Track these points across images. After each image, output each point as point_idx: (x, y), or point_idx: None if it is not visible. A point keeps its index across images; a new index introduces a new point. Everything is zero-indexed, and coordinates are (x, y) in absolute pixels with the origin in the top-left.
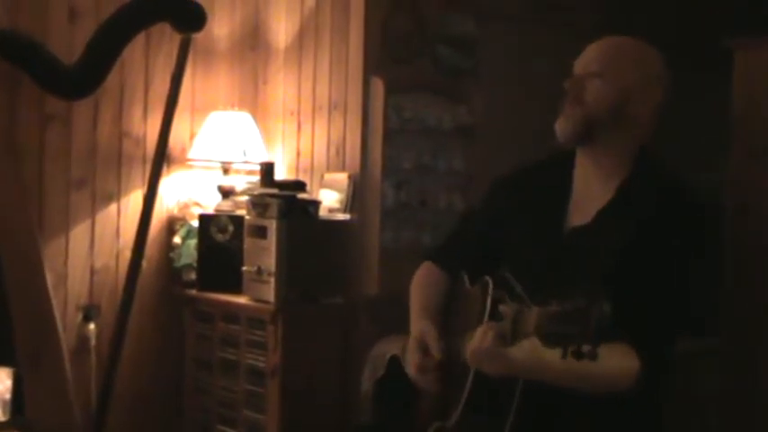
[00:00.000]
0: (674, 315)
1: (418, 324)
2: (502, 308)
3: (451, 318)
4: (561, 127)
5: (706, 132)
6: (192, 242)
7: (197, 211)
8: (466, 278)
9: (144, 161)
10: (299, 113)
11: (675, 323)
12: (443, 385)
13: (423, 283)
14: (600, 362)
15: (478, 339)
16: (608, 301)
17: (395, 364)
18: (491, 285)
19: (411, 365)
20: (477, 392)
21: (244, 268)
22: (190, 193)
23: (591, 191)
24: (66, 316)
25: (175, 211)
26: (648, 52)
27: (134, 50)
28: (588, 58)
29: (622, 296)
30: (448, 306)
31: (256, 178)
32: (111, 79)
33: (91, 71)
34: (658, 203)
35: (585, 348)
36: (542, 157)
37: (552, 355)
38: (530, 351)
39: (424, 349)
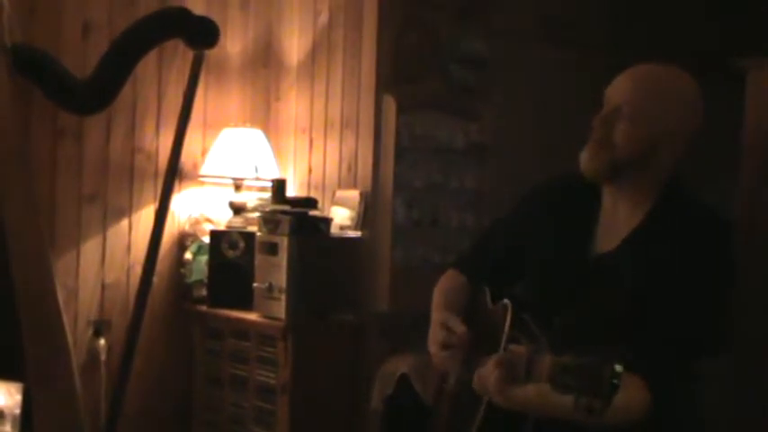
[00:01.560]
0: (691, 345)
1: (441, 313)
2: (515, 347)
3: (471, 333)
4: (587, 165)
5: (715, 151)
6: (203, 258)
7: (208, 227)
8: (488, 295)
9: (156, 176)
10: (310, 130)
11: (694, 352)
12: (463, 366)
13: (445, 288)
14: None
15: (486, 373)
16: (620, 360)
17: (405, 382)
18: (510, 313)
19: (433, 343)
20: (491, 417)
21: (254, 285)
22: (201, 209)
23: (618, 218)
24: (76, 331)
25: (187, 227)
26: (681, 85)
27: (147, 66)
28: (619, 94)
29: (639, 325)
30: (468, 313)
31: (268, 195)
32: (124, 94)
33: (104, 86)
34: (683, 234)
35: (597, 404)
36: (569, 171)
37: (559, 398)
38: (534, 393)
39: (447, 328)
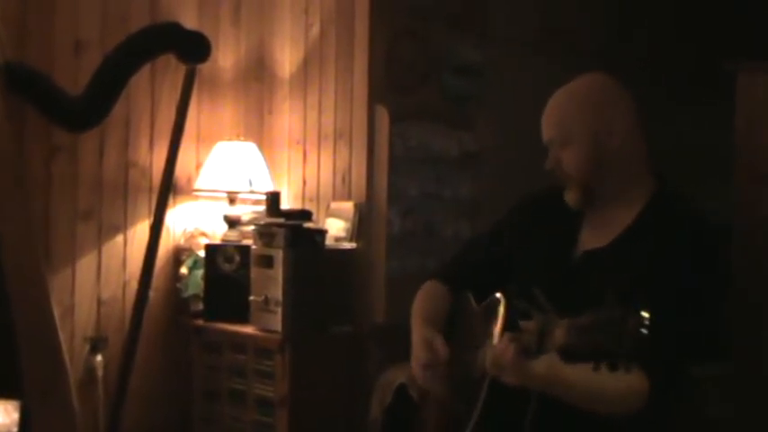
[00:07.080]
0: (688, 338)
1: (422, 329)
2: (525, 323)
3: (456, 334)
4: (570, 200)
5: (707, 156)
6: (199, 272)
7: (203, 241)
8: (471, 298)
9: (150, 191)
10: (304, 143)
11: (689, 346)
12: (446, 388)
13: (426, 296)
14: (614, 380)
15: (501, 349)
16: (644, 310)
17: (403, 392)
18: (503, 301)
19: (416, 363)
20: (488, 413)
21: (251, 298)
22: (196, 223)
23: (607, 216)
24: (73, 348)
25: (182, 242)
26: (590, 86)
27: (139, 81)
28: (547, 130)
29: None
30: (449, 321)
31: (262, 208)
32: (117, 110)
33: (96, 103)
34: (676, 232)
35: (622, 358)
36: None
37: (570, 371)
38: (549, 366)
39: (430, 348)
